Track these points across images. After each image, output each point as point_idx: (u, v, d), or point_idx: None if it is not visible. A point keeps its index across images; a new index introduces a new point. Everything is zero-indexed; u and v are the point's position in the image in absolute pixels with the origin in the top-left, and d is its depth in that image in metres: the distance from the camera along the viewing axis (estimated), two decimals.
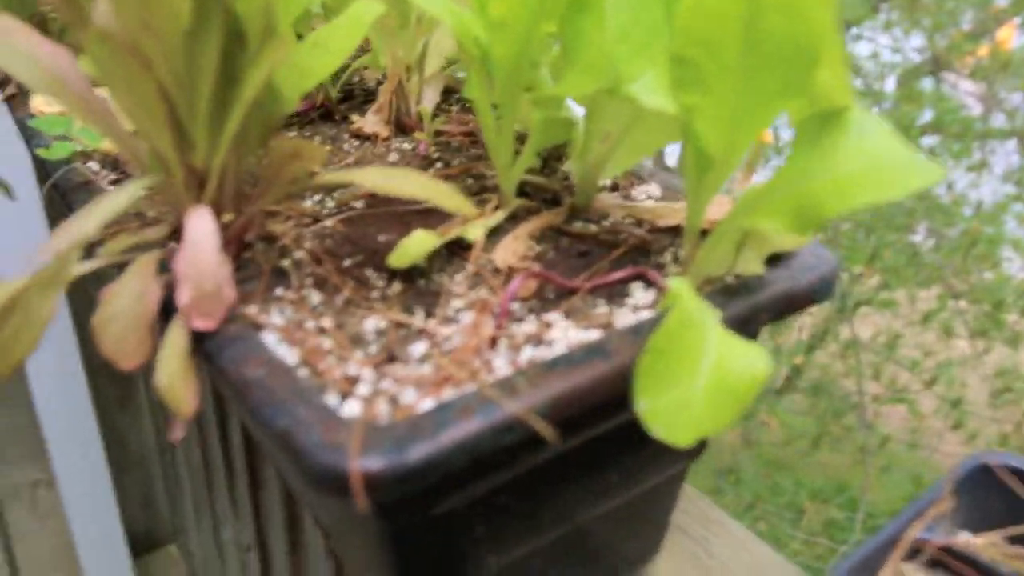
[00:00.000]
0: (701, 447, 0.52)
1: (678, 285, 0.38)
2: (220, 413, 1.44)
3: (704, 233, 0.43)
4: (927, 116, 3.19)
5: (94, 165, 0.57)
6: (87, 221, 0.32)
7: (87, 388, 1.79)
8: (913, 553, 0.47)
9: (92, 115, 0.39)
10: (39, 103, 0.58)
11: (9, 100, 0.69)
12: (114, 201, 0.33)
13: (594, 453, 0.45)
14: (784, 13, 0.30)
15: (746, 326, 0.42)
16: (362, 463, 0.31)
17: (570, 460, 0.44)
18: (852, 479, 2.74)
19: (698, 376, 0.36)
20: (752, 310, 0.42)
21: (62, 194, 0.54)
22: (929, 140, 3.26)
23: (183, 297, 0.35)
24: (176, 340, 0.37)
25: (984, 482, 0.51)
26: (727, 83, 0.33)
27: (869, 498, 2.57)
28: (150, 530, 1.99)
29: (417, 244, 0.44)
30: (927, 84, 3.45)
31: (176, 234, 0.47)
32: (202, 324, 0.36)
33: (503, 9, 0.40)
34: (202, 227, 0.36)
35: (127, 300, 0.37)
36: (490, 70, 0.44)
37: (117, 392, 1.79)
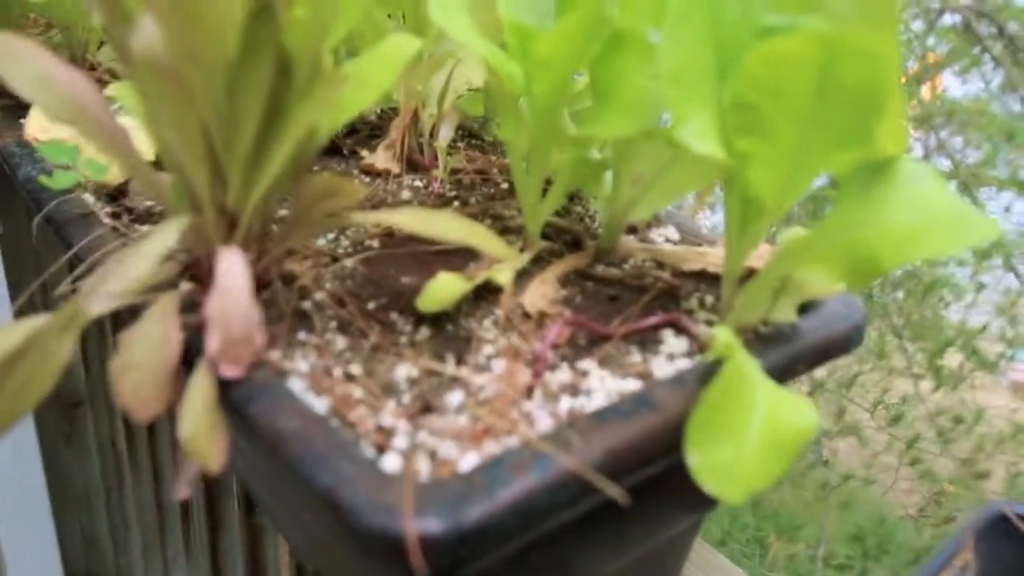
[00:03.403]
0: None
1: (726, 335, 0.37)
2: (178, 452, 1.38)
3: (741, 280, 0.43)
4: None
5: (89, 197, 0.54)
6: (138, 262, 0.30)
7: (31, 422, 1.71)
8: None
9: (111, 145, 0.37)
10: (34, 129, 0.55)
11: None
12: (162, 240, 0.31)
13: (622, 507, 0.44)
14: (860, 60, 0.29)
15: (784, 376, 0.42)
16: (418, 525, 0.29)
17: (598, 514, 0.42)
18: (814, 515, 2.76)
19: (750, 431, 0.35)
20: (790, 360, 0.41)
21: (56, 227, 0.52)
22: None
23: (212, 344, 0.33)
24: (202, 389, 0.34)
25: (1001, 530, 0.51)
26: (791, 131, 0.33)
27: (832, 534, 2.59)
28: (91, 571, 1.91)
29: (446, 288, 0.42)
30: None
31: (187, 272, 0.45)
32: (230, 371, 0.34)
33: (549, 48, 0.39)
34: (234, 270, 0.34)
35: (147, 346, 0.35)
36: (525, 109, 0.43)
37: (63, 428, 1.72)
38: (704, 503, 0.49)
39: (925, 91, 3.38)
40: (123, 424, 1.55)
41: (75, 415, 1.69)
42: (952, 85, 3.38)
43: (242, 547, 1.19)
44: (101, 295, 0.29)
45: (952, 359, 2.87)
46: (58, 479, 1.77)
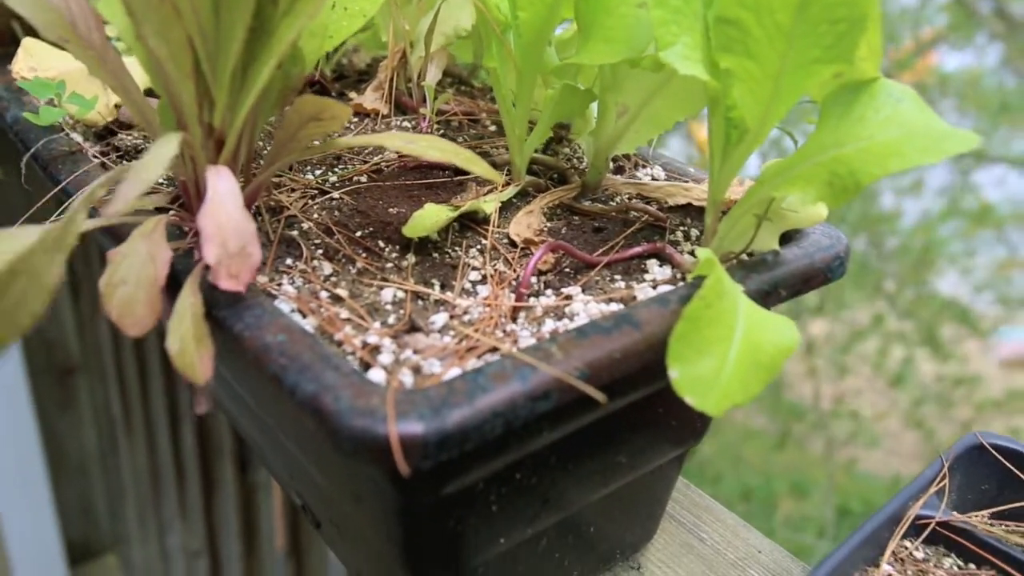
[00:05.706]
0: (703, 429, 0.52)
1: (706, 254, 0.38)
2: (172, 416, 1.39)
3: (725, 209, 0.43)
4: None
5: (77, 136, 0.54)
6: (149, 168, 0.30)
7: (27, 390, 1.71)
8: (914, 530, 0.48)
9: (102, 65, 0.37)
10: (21, 67, 0.55)
11: None
12: (167, 149, 0.31)
13: (606, 432, 0.44)
14: None
15: (765, 300, 0.42)
16: (400, 427, 0.30)
17: (583, 438, 0.43)
18: (818, 477, 2.79)
19: (731, 346, 0.35)
20: (772, 285, 0.42)
21: (44, 165, 0.52)
22: None
23: (209, 255, 0.33)
24: (189, 303, 0.35)
25: (977, 460, 0.52)
26: (773, 47, 0.33)
27: (839, 494, 2.63)
28: (88, 538, 1.92)
29: (431, 216, 0.42)
30: None
31: (177, 201, 0.45)
32: (229, 285, 0.34)
33: None
34: (224, 185, 0.34)
35: (137, 261, 0.35)
36: (512, 41, 0.43)
37: (58, 395, 1.72)
38: (686, 436, 0.50)
39: (921, 65, 3.39)
40: (117, 390, 1.55)
41: (69, 382, 1.70)
42: (948, 59, 3.38)
43: (236, 507, 1.19)
44: (123, 197, 0.29)
45: (946, 330, 2.91)
46: (54, 447, 1.78)
